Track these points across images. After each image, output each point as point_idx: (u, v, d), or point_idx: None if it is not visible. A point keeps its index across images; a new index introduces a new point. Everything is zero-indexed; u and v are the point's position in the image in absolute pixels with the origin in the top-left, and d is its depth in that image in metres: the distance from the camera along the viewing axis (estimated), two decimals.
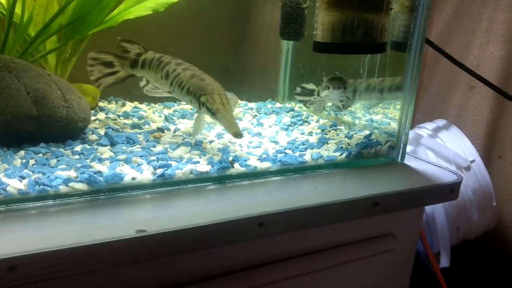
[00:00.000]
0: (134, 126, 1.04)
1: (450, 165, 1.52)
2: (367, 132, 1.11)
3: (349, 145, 1.03)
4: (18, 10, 0.95)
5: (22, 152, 0.82)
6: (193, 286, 0.77)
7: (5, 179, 0.71)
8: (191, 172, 0.84)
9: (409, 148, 1.49)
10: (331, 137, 1.08)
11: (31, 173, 0.75)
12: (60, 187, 0.73)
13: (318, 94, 1.16)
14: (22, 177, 0.73)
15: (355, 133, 1.11)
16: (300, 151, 0.98)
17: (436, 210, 1.50)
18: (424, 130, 1.66)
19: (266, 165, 0.91)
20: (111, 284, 0.72)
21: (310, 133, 1.10)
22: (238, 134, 0.84)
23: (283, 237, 0.84)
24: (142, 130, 1.02)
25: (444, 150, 1.54)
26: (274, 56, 1.39)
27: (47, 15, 1.00)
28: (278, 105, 1.34)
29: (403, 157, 1.05)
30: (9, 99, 0.84)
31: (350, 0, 0.92)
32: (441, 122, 1.69)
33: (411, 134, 1.56)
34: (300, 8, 1.14)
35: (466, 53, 1.74)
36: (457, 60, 1.37)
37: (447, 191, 0.96)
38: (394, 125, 1.09)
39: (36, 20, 0.99)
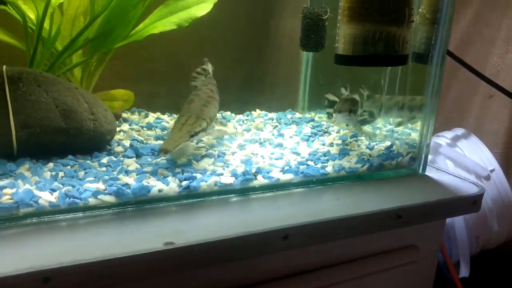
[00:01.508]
0: (157, 137, 1.05)
1: (469, 174, 1.51)
2: (388, 143, 1.11)
3: (370, 156, 1.04)
4: (46, 24, 0.97)
5: (51, 164, 0.84)
6: None
7: (36, 192, 0.73)
8: (215, 184, 0.85)
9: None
10: (352, 148, 1.08)
11: (61, 185, 0.76)
12: (90, 199, 0.75)
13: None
14: (53, 190, 0.75)
15: (376, 144, 1.12)
16: (322, 162, 0.98)
17: (456, 220, 1.49)
18: (443, 139, 1.66)
19: (288, 177, 0.92)
20: None
21: (331, 144, 1.11)
22: (161, 150, 0.81)
23: (306, 249, 0.84)
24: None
25: (463, 160, 1.54)
26: (294, 66, 1.41)
27: (74, 29, 1.02)
28: (298, 115, 1.35)
29: (424, 169, 1.05)
30: (38, 113, 0.86)
31: (371, 13, 0.93)
32: (459, 131, 1.68)
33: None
34: (321, 19, 1.15)
35: (485, 62, 1.73)
36: (476, 69, 1.37)
37: (469, 203, 0.96)
38: (414, 135, 1.10)
39: (63, 34, 1.01)
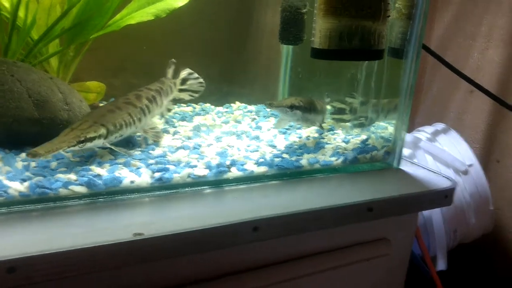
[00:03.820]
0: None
1: (448, 168, 1.53)
2: (364, 137, 1.12)
3: (345, 150, 1.04)
4: (21, 13, 0.97)
5: (23, 155, 0.84)
6: None
7: (6, 182, 0.73)
8: (188, 176, 0.86)
9: (407, 152, 1.51)
10: (328, 142, 1.09)
11: (32, 175, 0.76)
12: (60, 189, 0.75)
13: (351, 112, 1.18)
14: (24, 180, 0.75)
15: (352, 138, 1.12)
16: (297, 155, 0.99)
17: (433, 213, 1.51)
18: (423, 133, 1.67)
19: (263, 169, 0.92)
20: (108, 286, 0.73)
21: (308, 137, 1.11)
22: (29, 153, 0.73)
23: (277, 241, 0.85)
24: (139, 134, 1.04)
25: (442, 154, 1.56)
26: (274, 59, 1.41)
27: (49, 19, 1.01)
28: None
29: (399, 162, 1.07)
30: (11, 102, 0.85)
31: (347, 8, 0.93)
32: (440, 125, 1.70)
33: (410, 137, 1.57)
34: (300, 13, 1.15)
35: (467, 57, 1.75)
36: (455, 67, 1.38)
37: (441, 197, 0.97)
38: (391, 129, 1.11)
39: (39, 24, 1.00)
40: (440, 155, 1.56)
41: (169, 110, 1.13)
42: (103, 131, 0.85)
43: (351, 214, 0.86)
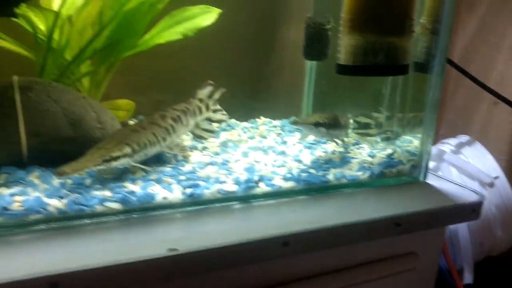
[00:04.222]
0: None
1: (473, 181, 1.52)
2: (390, 151, 1.13)
3: (371, 164, 1.05)
4: (55, 35, 1.00)
5: None
6: None
7: (45, 199, 0.76)
8: (218, 192, 0.88)
9: (431, 164, 1.51)
10: (353, 156, 1.10)
11: (69, 192, 0.79)
12: (96, 206, 0.78)
13: (376, 126, 1.19)
14: (61, 197, 0.78)
15: (378, 152, 1.13)
16: (323, 170, 1.00)
17: (459, 226, 1.50)
18: (447, 146, 1.67)
19: (290, 184, 0.94)
20: None
21: (333, 152, 1.13)
22: (56, 172, 0.75)
23: (306, 256, 0.86)
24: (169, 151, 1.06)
25: (467, 167, 1.55)
26: (298, 75, 1.43)
27: (82, 40, 1.05)
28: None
29: (425, 176, 1.07)
30: (47, 122, 0.89)
31: (371, 25, 0.95)
32: (464, 138, 1.69)
33: (434, 150, 1.57)
34: (324, 29, 1.18)
35: (491, 69, 1.74)
36: (479, 79, 1.38)
37: (469, 211, 0.97)
38: (416, 142, 1.11)
39: (72, 45, 1.04)
40: (465, 168, 1.55)
41: (207, 130, 1.13)
42: (128, 150, 0.87)
43: (379, 229, 0.87)
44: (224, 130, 1.26)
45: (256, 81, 1.44)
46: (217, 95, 1.16)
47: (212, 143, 1.14)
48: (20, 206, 0.74)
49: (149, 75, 1.28)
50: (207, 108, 1.13)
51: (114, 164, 0.84)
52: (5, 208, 0.72)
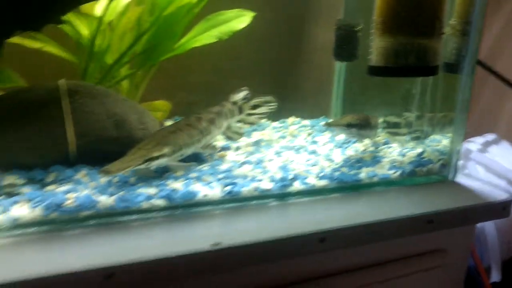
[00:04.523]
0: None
1: (500, 179, 1.53)
2: (420, 150, 1.15)
3: (402, 163, 1.08)
4: (97, 40, 1.05)
5: None
6: None
7: (95, 196, 0.80)
8: (255, 190, 0.91)
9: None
10: (384, 156, 1.13)
11: (116, 190, 0.84)
12: (142, 203, 0.82)
13: (406, 126, 1.22)
14: (109, 194, 0.82)
15: (408, 151, 1.16)
16: (356, 169, 1.03)
17: (486, 224, 1.51)
18: (474, 144, 1.68)
19: (323, 183, 0.97)
20: None
21: (364, 151, 1.15)
22: (102, 171, 0.80)
23: (340, 252, 0.89)
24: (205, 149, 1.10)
25: (494, 165, 1.56)
26: (326, 75, 1.46)
27: (122, 44, 1.09)
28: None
29: (455, 175, 1.09)
30: (93, 123, 0.94)
31: (403, 27, 0.97)
32: (490, 136, 1.70)
33: None
34: (354, 31, 1.20)
35: None
36: (505, 78, 1.39)
37: (499, 209, 0.99)
38: (445, 142, 1.13)
39: (113, 49, 1.09)
40: (491, 166, 1.56)
41: (237, 133, 1.17)
42: (166, 150, 0.91)
43: (412, 226, 0.90)
44: (255, 130, 1.29)
45: (285, 82, 1.47)
46: (255, 101, 1.19)
47: (245, 143, 1.18)
48: (72, 203, 0.78)
49: (182, 77, 1.33)
50: (240, 111, 1.16)
51: (154, 163, 0.88)
52: (59, 205, 0.77)
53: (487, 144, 1.65)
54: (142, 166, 0.87)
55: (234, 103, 1.15)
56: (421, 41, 0.99)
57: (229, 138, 1.16)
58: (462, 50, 1.04)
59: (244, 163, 1.02)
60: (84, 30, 1.04)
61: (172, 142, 0.94)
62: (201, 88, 1.32)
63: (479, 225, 1.50)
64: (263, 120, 1.36)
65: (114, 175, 0.86)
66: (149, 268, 0.70)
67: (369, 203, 0.95)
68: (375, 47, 1.01)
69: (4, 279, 0.63)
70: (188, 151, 0.99)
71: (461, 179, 1.10)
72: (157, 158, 0.89)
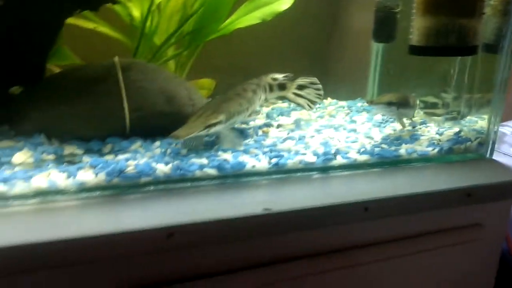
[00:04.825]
0: (242, 122, 1.17)
1: None
2: (457, 129, 1.18)
3: (440, 141, 1.11)
4: (147, 21, 1.10)
5: (157, 143, 0.97)
6: (307, 259, 0.88)
7: (153, 164, 0.86)
8: (300, 162, 0.95)
9: None
10: (422, 134, 1.16)
11: (171, 159, 0.89)
12: (196, 171, 0.87)
13: (443, 106, 1.25)
14: (166, 163, 0.87)
15: (445, 130, 1.18)
16: (395, 145, 1.07)
17: None
18: (507, 128, 1.69)
19: (365, 158, 1.00)
20: (244, 253, 0.84)
21: (402, 130, 1.18)
22: (172, 136, 0.86)
23: (382, 221, 0.93)
24: (249, 126, 1.15)
25: None
26: (361, 57, 1.48)
27: (170, 26, 1.15)
28: (368, 104, 1.43)
29: (491, 153, 1.11)
30: (146, 98, 0.99)
31: (444, 8, 1.00)
32: None
33: None
34: (393, 13, 1.23)
35: None
36: None
37: None
38: (482, 123, 1.15)
39: (161, 29, 1.14)
40: None
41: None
42: (222, 117, 0.96)
43: (452, 199, 0.93)
44: (294, 109, 1.33)
45: (322, 64, 1.50)
46: (300, 81, 1.22)
47: (284, 120, 1.22)
48: (132, 169, 0.84)
49: (222, 57, 1.37)
50: (281, 88, 1.20)
51: (212, 130, 0.94)
52: (121, 171, 0.83)
53: None
54: (203, 132, 0.93)
55: (274, 79, 1.19)
56: (462, 21, 1.01)
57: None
58: (502, 30, 1.05)
59: (286, 139, 1.07)
60: (136, 11, 1.10)
61: (225, 110, 0.99)
62: (239, 69, 1.37)
63: None
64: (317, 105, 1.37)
65: (183, 139, 0.91)
66: (207, 229, 0.75)
67: (409, 177, 0.98)
68: (417, 27, 1.04)
69: (77, 235, 0.69)
70: (239, 118, 1.04)
71: (498, 157, 1.12)
72: (214, 125, 0.94)
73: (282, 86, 1.20)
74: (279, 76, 1.20)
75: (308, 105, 1.22)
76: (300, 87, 1.22)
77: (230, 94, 1.06)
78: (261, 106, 1.20)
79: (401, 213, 0.91)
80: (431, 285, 1.05)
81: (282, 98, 1.25)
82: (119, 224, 0.72)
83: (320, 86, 1.22)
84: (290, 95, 1.21)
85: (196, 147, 0.97)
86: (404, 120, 1.19)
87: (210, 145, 1.00)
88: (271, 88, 1.20)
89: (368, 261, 0.94)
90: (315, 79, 1.22)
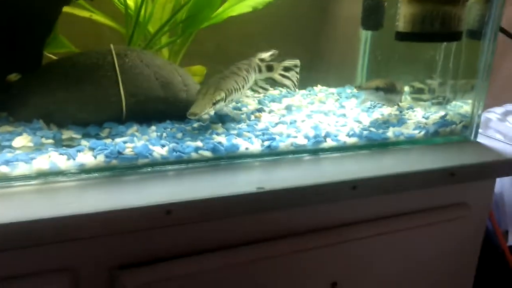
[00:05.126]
0: (234, 108, 1.20)
1: None
2: (442, 113, 1.22)
3: (426, 124, 1.15)
4: (141, 10, 1.13)
5: (153, 127, 1.00)
6: (298, 236, 0.92)
7: (151, 146, 0.89)
8: (291, 145, 0.99)
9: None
10: (409, 118, 1.20)
11: (167, 142, 0.92)
12: (192, 153, 0.91)
13: (429, 92, 1.29)
14: (162, 145, 0.91)
15: (431, 114, 1.23)
16: (383, 129, 1.11)
17: (505, 190, 1.58)
18: (493, 114, 1.74)
19: (354, 140, 1.04)
20: (239, 229, 0.88)
21: (390, 114, 1.22)
22: (190, 113, 0.93)
23: (370, 200, 0.97)
24: (242, 112, 1.18)
25: None
26: (350, 45, 1.52)
27: (163, 14, 1.17)
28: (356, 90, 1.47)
29: (476, 136, 1.16)
30: (142, 84, 1.02)
31: None
32: (510, 106, 1.75)
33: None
34: (380, 1, 1.27)
35: None
36: None
37: None
38: (466, 108, 1.20)
39: (155, 18, 1.17)
40: (510, 134, 1.62)
41: (264, 89, 1.26)
42: (223, 94, 1.01)
43: (436, 178, 0.97)
44: (285, 96, 1.37)
45: (311, 52, 1.54)
46: (286, 63, 1.26)
47: (276, 106, 1.25)
48: (130, 151, 0.87)
49: (213, 45, 1.40)
50: (269, 69, 1.23)
51: (216, 107, 1.00)
52: (120, 153, 0.86)
53: (506, 114, 1.71)
54: (211, 109, 0.99)
55: (261, 60, 1.23)
56: (446, 7, 1.05)
57: (254, 91, 1.25)
58: (485, 17, 1.09)
59: (278, 123, 1.10)
60: (130, 0, 1.12)
61: (224, 88, 1.03)
62: (228, 57, 1.39)
63: (497, 190, 1.57)
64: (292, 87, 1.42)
65: (200, 115, 0.95)
66: (204, 206, 0.79)
67: (396, 158, 1.02)
68: (403, 14, 1.08)
69: (78, 211, 0.72)
70: (236, 96, 1.09)
71: (482, 139, 1.17)
72: (218, 102, 1.00)
73: (269, 68, 1.24)
74: (266, 55, 1.23)
75: (293, 86, 1.26)
76: (286, 69, 1.25)
77: (226, 72, 1.10)
78: (250, 88, 1.23)
79: (388, 192, 0.95)
80: (417, 263, 1.10)
81: (269, 79, 1.29)
82: (120, 201, 0.75)
83: (298, 68, 1.27)
84: (276, 76, 1.25)
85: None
86: (392, 105, 1.24)
87: (205, 128, 1.03)
88: (260, 69, 1.23)
89: (357, 238, 0.98)
90: (297, 62, 1.26)
